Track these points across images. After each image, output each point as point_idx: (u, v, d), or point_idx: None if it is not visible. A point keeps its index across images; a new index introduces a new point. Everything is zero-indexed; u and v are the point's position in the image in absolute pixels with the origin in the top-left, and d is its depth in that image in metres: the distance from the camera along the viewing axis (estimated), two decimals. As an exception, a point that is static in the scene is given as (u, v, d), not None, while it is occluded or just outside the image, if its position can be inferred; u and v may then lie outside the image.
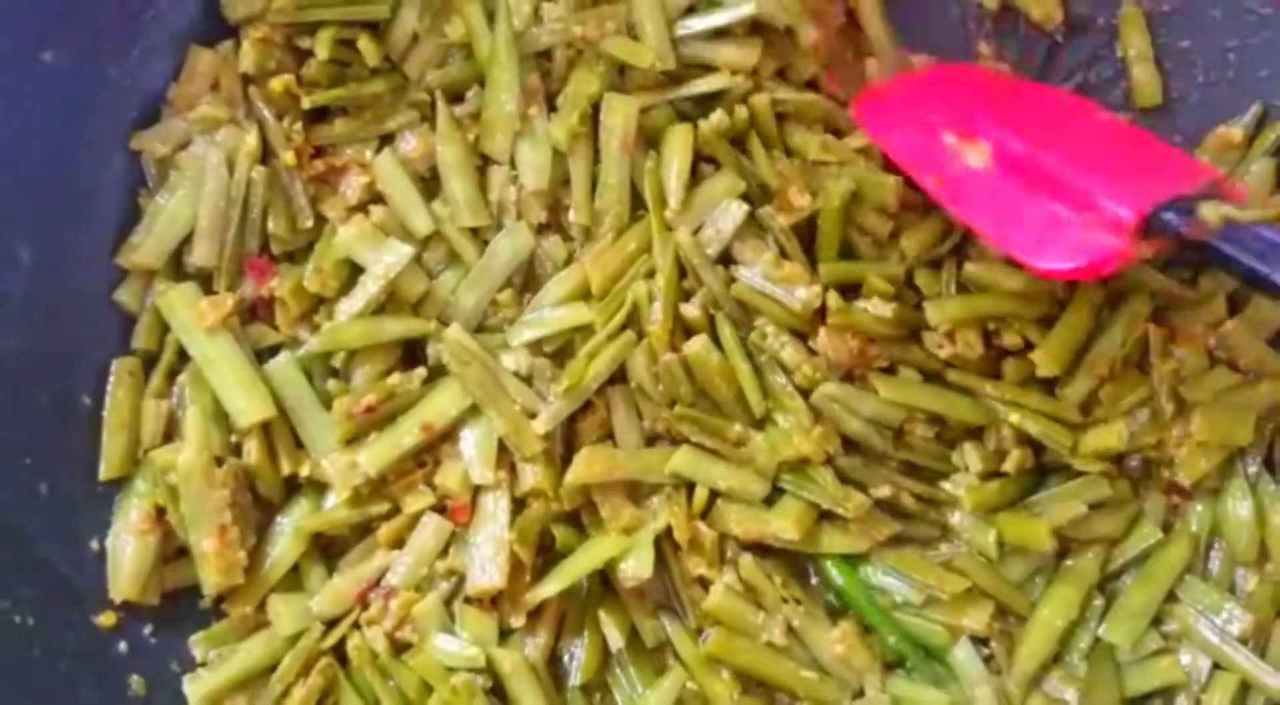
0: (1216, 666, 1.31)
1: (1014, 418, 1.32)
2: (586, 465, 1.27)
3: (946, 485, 1.35)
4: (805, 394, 1.31)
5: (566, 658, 1.30)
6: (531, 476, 1.27)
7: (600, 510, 1.29)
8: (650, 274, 1.32)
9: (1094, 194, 1.22)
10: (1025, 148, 1.29)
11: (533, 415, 1.28)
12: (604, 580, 1.30)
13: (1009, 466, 1.33)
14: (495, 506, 1.28)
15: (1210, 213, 1.17)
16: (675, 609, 1.31)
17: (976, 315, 1.33)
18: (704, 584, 1.30)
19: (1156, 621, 1.33)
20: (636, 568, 1.26)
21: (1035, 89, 1.42)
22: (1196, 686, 1.31)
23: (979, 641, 1.32)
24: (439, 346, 1.30)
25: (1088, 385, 1.34)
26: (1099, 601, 1.34)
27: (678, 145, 1.33)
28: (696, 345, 1.29)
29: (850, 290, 1.33)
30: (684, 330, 1.32)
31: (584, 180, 1.33)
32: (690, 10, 1.37)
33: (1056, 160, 1.27)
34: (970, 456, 1.34)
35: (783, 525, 1.28)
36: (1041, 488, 1.36)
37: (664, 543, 1.29)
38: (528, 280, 1.35)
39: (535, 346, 1.31)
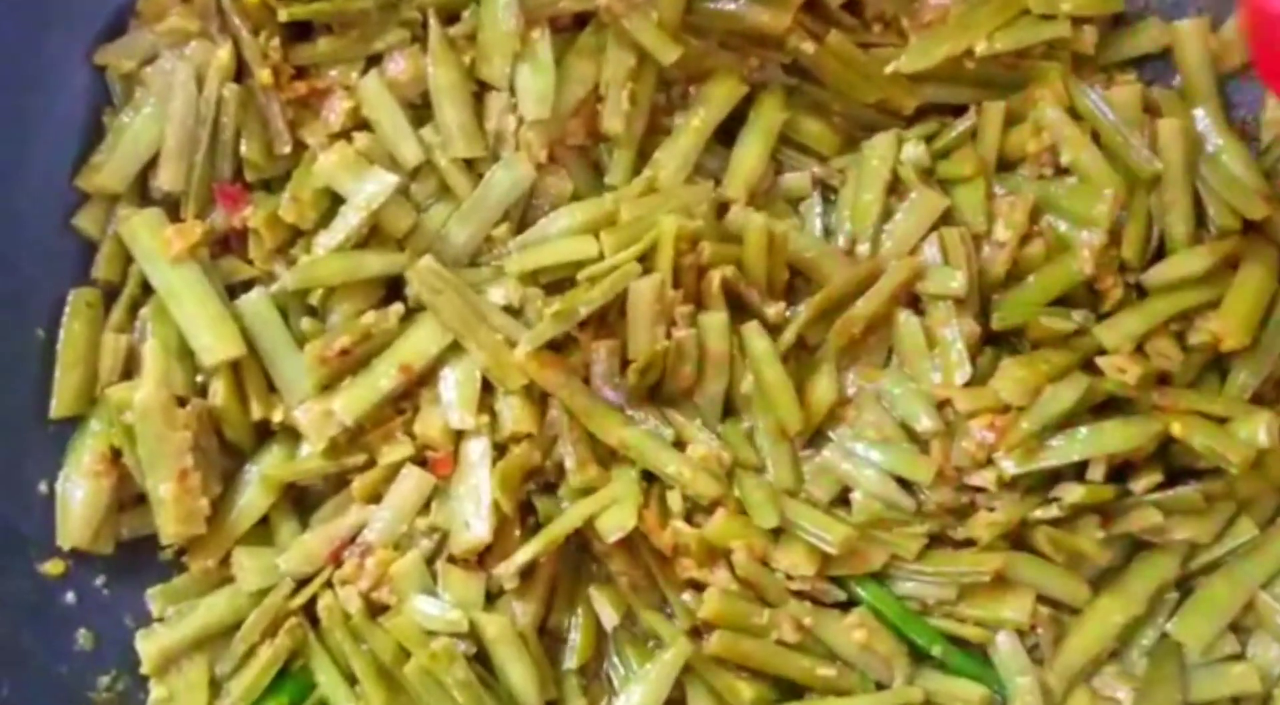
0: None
1: (1176, 428, 1.20)
2: (538, 362, 1.19)
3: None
4: None
5: (564, 645, 1.24)
6: (510, 417, 1.20)
7: (566, 462, 1.21)
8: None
9: None
10: None
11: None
12: (595, 565, 1.24)
13: (1140, 486, 1.22)
14: (479, 457, 1.20)
15: None
16: (668, 613, 1.24)
17: (1160, 321, 1.23)
18: (697, 586, 1.22)
19: (1234, 625, 1.24)
20: (618, 519, 1.18)
21: None
22: (1270, 683, 1.23)
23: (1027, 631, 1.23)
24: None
25: (1267, 367, 1.24)
26: (1172, 596, 1.24)
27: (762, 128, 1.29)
28: (712, 321, 1.22)
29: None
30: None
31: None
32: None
33: None
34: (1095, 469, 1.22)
35: (794, 562, 1.20)
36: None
37: (641, 543, 1.21)
38: (525, 218, 1.28)
39: (530, 277, 1.23)
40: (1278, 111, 1.29)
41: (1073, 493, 1.20)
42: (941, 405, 1.22)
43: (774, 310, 1.25)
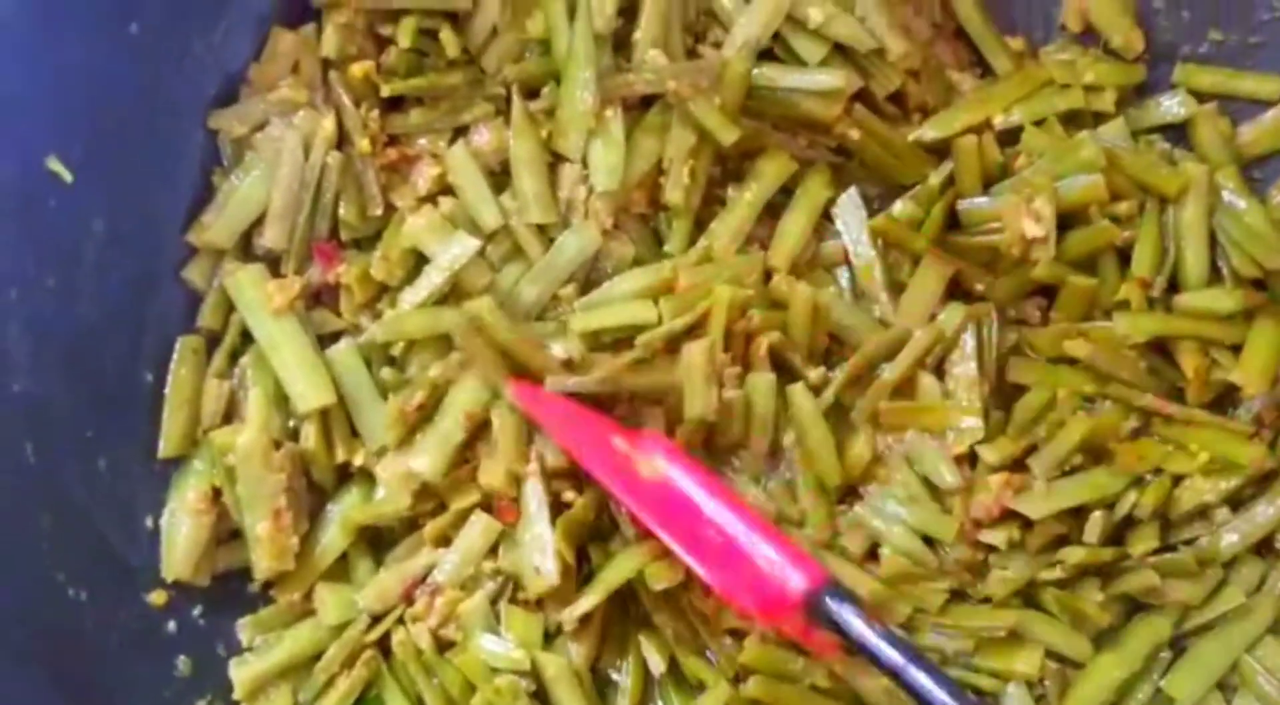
0: (1264, 715, 1.29)
1: (1203, 459, 1.30)
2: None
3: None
4: None
5: (611, 685, 1.30)
6: (551, 459, 1.26)
7: (620, 518, 1.28)
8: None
9: (767, 549, 1.18)
10: (693, 482, 1.23)
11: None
12: (643, 614, 1.29)
13: (1137, 550, 1.30)
14: (537, 506, 1.26)
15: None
16: (709, 657, 1.29)
17: (1177, 333, 1.31)
18: (736, 634, 1.28)
19: (1220, 683, 1.31)
20: (665, 572, 1.24)
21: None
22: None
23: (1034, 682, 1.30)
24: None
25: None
26: (1166, 655, 1.32)
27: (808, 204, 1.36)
28: (760, 382, 1.29)
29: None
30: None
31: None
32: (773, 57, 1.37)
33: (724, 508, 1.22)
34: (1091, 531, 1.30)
35: None
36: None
37: (685, 596, 1.27)
38: (590, 279, 1.34)
39: (592, 336, 1.30)
40: None
41: (1074, 553, 1.27)
42: (960, 461, 1.29)
43: (815, 373, 1.32)
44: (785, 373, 1.32)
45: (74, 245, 1.22)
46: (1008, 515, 1.28)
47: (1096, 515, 1.29)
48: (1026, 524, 1.29)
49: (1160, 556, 1.30)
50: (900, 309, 1.34)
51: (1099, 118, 1.39)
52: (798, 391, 1.30)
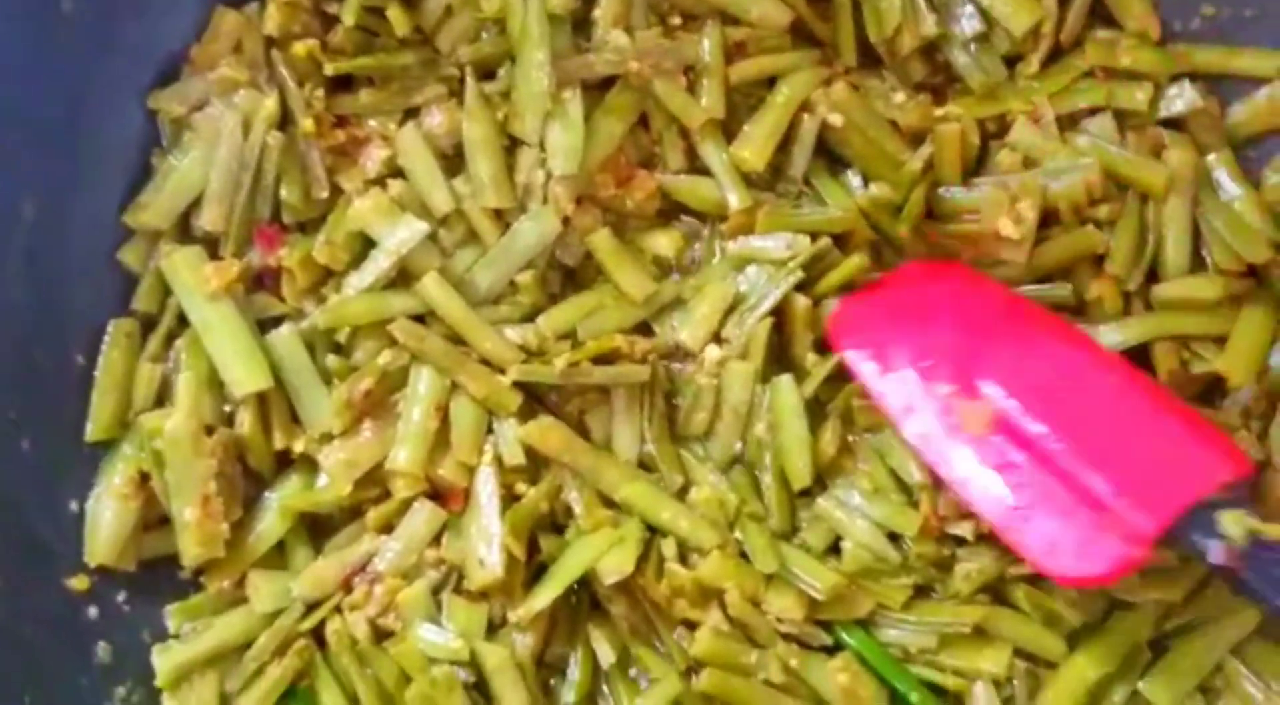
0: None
1: None
2: (541, 431, 1.24)
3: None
4: None
5: (559, 676, 1.28)
6: (508, 453, 1.25)
7: (574, 508, 1.26)
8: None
9: (1111, 492, 1.14)
10: (1034, 417, 1.19)
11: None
12: (594, 601, 1.27)
13: None
14: (488, 497, 1.24)
15: (1234, 526, 1.10)
16: (660, 650, 1.27)
17: (1155, 336, 1.27)
18: (689, 625, 1.25)
19: (1203, 686, 1.25)
20: (618, 563, 1.21)
21: (1044, 321, 1.29)
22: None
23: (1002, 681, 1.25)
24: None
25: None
26: (1145, 656, 1.26)
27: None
28: (739, 369, 1.26)
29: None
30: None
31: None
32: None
33: (1068, 438, 1.17)
34: None
35: (785, 606, 1.23)
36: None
37: (640, 588, 1.24)
38: (549, 266, 1.32)
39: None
40: None
41: None
42: None
43: (810, 359, 1.29)
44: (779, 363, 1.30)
45: (2, 229, 1.22)
46: None
47: None
48: None
49: None
50: None
51: (1121, 116, 1.34)
52: (783, 384, 1.26)
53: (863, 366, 1.26)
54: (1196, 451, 1.17)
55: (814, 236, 1.29)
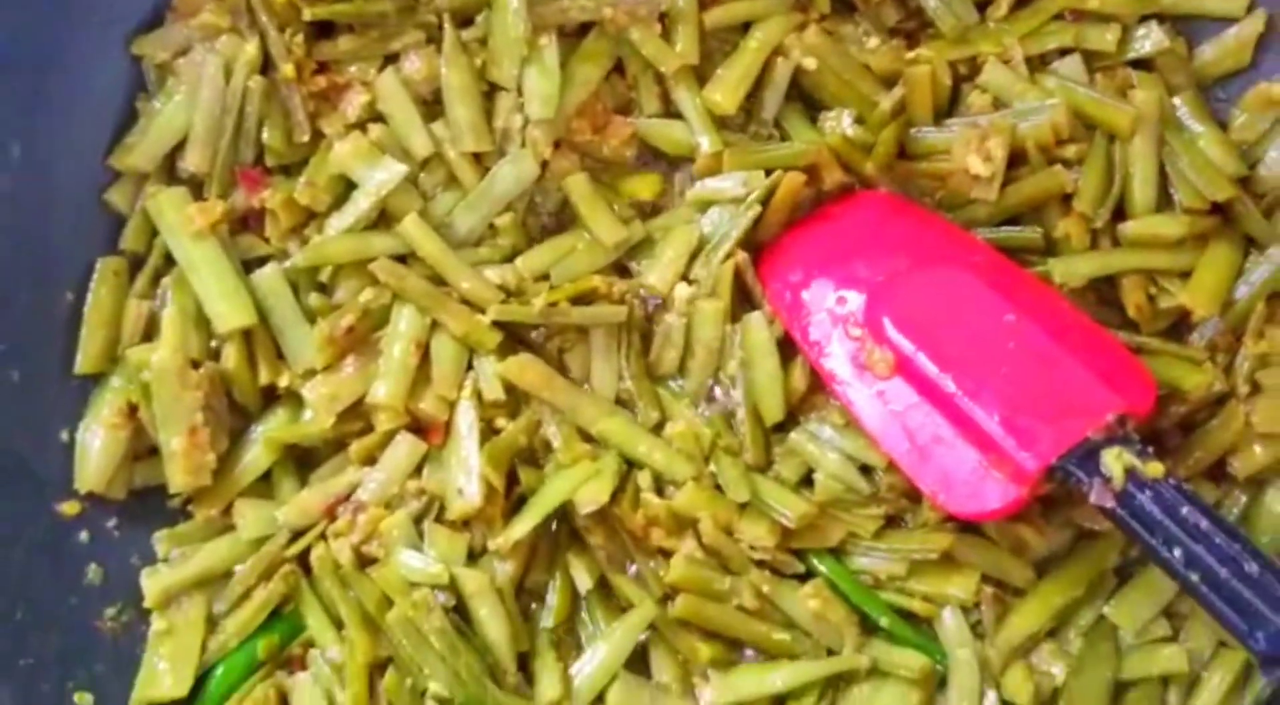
0: (1222, 644, 1.26)
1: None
2: (519, 367, 1.27)
3: None
4: None
5: (539, 602, 1.30)
6: (488, 387, 1.27)
7: (553, 441, 1.29)
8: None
9: (999, 432, 1.17)
10: (933, 360, 1.22)
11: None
12: (573, 532, 1.29)
13: None
14: (467, 429, 1.27)
15: (1114, 464, 1.12)
16: (636, 578, 1.29)
17: (1117, 270, 1.30)
18: (665, 554, 1.27)
19: (1168, 611, 1.28)
20: (594, 493, 1.24)
21: (962, 244, 1.31)
22: (1198, 666, 1.27)
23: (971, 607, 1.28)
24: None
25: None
26: (1112, 582, 1.29)
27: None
28: (708, 308, 1.29)
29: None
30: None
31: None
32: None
33: (963, 378, 1.20)
34: None
35: (758, 534, 1.26)
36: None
37: (614, 516, 1.27)
38: (533, 203, 1.35)
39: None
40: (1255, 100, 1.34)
41: None
42: None
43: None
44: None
45: (-12, 168, 1.25)
46: None
47: None
48: None
49: None
50: None
51: (1090, 57, 1.35)
52: (753, 321, 1.29)
53: (784, 307, 1.29)
54: (1088, 388, 1.18)
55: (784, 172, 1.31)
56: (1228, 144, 1.32)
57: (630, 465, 1.29)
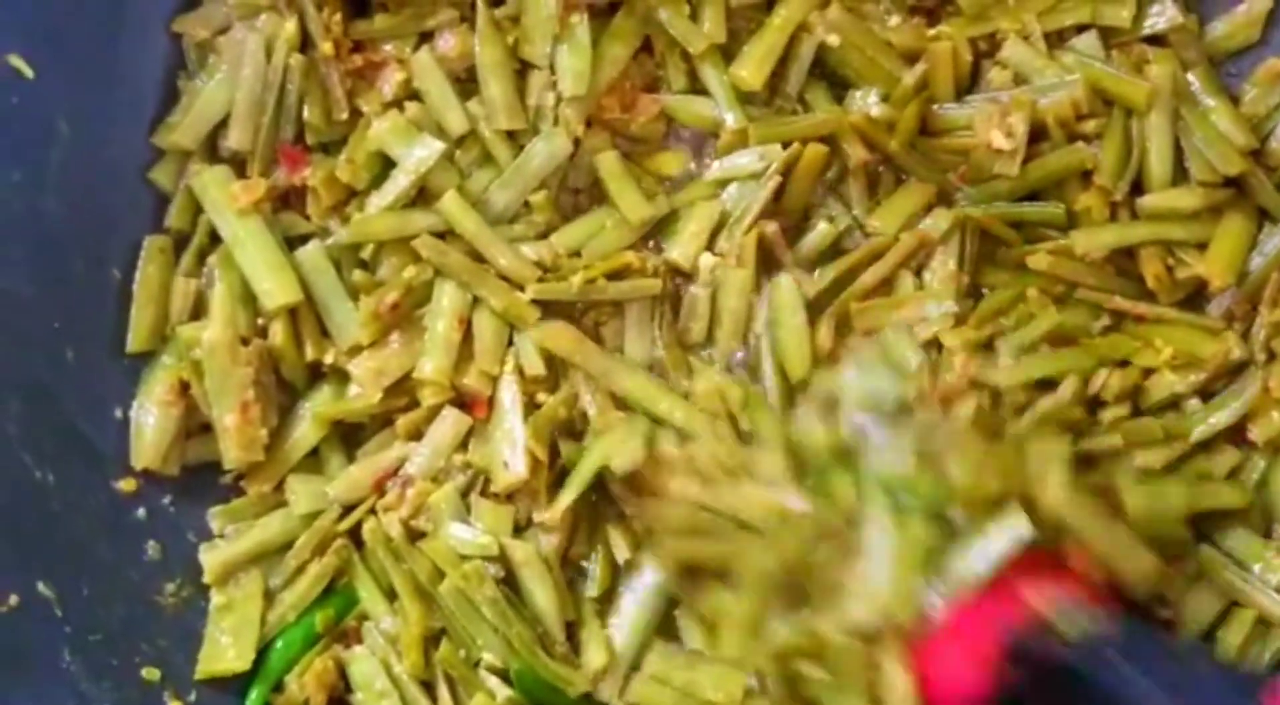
0: (1235, 604, 1.29)
1: (1167, 353, 1.30)
2: (553, 333, 1.29)
3: None
4: None
5: (581, 573, 1.32)
6: (529, 363, 1.29)
7: (589, 411, 1.30)
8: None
9: None
10: None
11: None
12: (612, 503, 1.31)
13: (1107, 416, 1.29)
14: (511, 403, 1.29)
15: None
16: None
17: (1136, 242, 1.31)
18: None
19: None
20: (627, 454, 1.26)
21: None
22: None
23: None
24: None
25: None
26: None
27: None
28: (733, 277, 1.30)
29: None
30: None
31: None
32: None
33: None
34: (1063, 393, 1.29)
35: None
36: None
37: (642, 479, 1.28)
38: (566, 179, 1.36)
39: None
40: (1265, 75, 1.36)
41: (1044, 404, 1.27)
42: (929, 348, 1.30)
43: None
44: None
45: (39, 143, 1.25)
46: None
47: (1070, 380, 1.29)
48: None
49: (1129, 422, 1.30)
50: (878, 216, 1.35)
51: (1106, 33, 1.37)
52: (783, 282, 1.31)
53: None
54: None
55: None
56: (1240, 118, 1.34)
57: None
